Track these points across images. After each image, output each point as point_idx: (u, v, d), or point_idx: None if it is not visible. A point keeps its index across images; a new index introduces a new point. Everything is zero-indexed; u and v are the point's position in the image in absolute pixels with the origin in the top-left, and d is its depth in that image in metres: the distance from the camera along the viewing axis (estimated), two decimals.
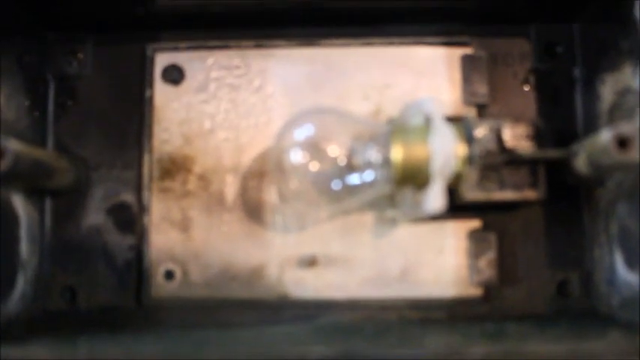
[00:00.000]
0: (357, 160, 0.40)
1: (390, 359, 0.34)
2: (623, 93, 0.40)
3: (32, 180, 0.43)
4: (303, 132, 0.40)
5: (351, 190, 0.41)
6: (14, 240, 0.43)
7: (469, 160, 0.40)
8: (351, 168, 0.40)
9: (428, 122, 0.39)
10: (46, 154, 0.44)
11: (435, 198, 0.38)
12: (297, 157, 0.40)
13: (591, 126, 0.44)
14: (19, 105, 0.44)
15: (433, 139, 0.38)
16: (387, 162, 0.39)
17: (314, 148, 0.40)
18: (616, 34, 0.41)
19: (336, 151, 0.40)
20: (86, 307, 0.46)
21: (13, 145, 0.38)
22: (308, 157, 0.40)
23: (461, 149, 0.39)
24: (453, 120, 0.42)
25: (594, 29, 0.44)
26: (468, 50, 0.46)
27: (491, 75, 0.46)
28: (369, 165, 0.40)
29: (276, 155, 0.41)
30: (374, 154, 0.39)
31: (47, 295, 0.46)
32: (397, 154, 0.39)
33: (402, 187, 0.41)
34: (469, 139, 0.40)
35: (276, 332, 0.42)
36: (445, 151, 0.38)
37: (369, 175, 0.40)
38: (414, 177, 0.39)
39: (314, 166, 0.40)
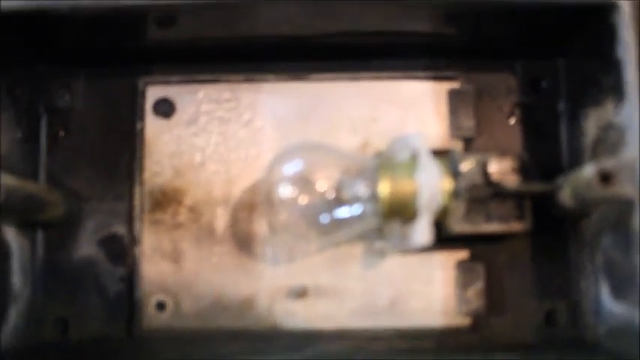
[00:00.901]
0: (345, 194, 0.40)
1: None
2: (606, 128, 0.41)
3: (25, 213, 0.43)
4: (292, 166, 0.41)
5: (339, 223, 0.41)
6: (6, 272, 0.43)
7: (455, 194, 0.40)
8: (339, 202, 0.41)
9: (414, 157, 0.40)
10: (39, 188, 0.44)
11: (422, 232, 0.39)
12: (286, 191, 0.41)
13: (576, 159, 0.45)
14: (12, 138, 0.45)
15: (419, 175, 0.39)
16: (374, 196, 0.40)
17: (303, 182, 0.41)
18: (598, 70, 0.42)
19: (324, 185, 0.41)
20: (78, 338, 0.46)
21: (6, 180, 0.39)
22: (297, 191, 0.41)
23: (447, 184, 0.40)
24: (440, 153, 0.42)
25: (578, 65, 0.45)
26: (454, 84, 0.47)
27: (477, 109, 0.47)
28: (356, 199, 0.40)
29: (266, 189, 0.42)
30: (362, 189, 0.40)
31: (39, 326, 0.46)
32: (384, 188, 0.39)
33: (389, 221, 0.41)
34: (455, 173, 0.40)
35: None
36: (431, 186, 0.39)
37: (357, 209, 0.41)
38: (401, 211, 0.40)
39: (303, 200, 0.41)
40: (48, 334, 0.46)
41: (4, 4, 0.40)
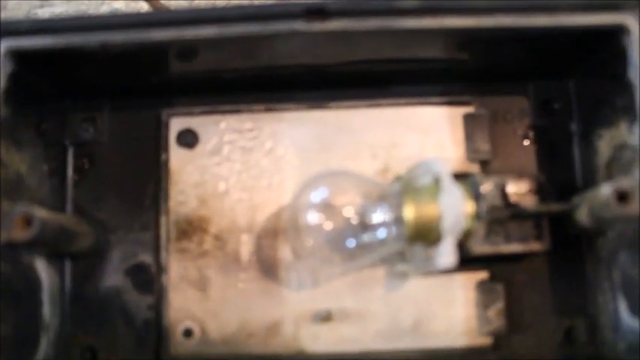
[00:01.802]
0: (370, 220, 0.41)
1: None
2: (620, 148, 0.42)
3: (56, 245, 0.44)
4: (318, 193, 0.42)
5: (364, 247, 0.42)
6: (37, 303, 0.44)
7: (477, 216, 0.41)
8: (363, 227, 0.42)
9: (437, 182, 0.41)
10: (68, 219, 0.45)
11: (447, 254, 0.40)
12: (313, 217, 0.42)
13: (590, 179, 0.46)
14: (40, 172, 0.46)
15: (443, 199, 0.40)
16: (398, 220, 0.41)
17: (328, 208, 0.42)
18: (610, 91, 0.43)
19: (349, 211, 0.42)
20: None
21: (39, 213, 0.40)
22: (323, 217, 0.42)
23: (469, 206, 0.41)
24: (459, 176, 0.43)
25: (590, 87, 0.47)
26: (469, 109, 0.48)
27: (492, 132, 0.48)
28: (381, 224, 0.41)
29: (293, 215, 0.43)
30: (386, 214, 0.41)
31: (68, 355, 0.46)
32: (409, 213, 0.41)
33: (413, 244, 0.42)
34: (476, 196, 0.42)
35: None
36: (455, 209, 0.40)
37: (381, 233, 0.42)
38: (425, 235, 0.41)
39: (329, 226, 0.42)
40: None
41: (32, 42, 0.42)
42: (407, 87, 0.49)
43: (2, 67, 0.41)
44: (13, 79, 0.42)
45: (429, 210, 0.40)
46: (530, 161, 0.48)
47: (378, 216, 0.41)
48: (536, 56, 0.46)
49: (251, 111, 0.49)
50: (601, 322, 0.45)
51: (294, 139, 0.48)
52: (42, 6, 0.57)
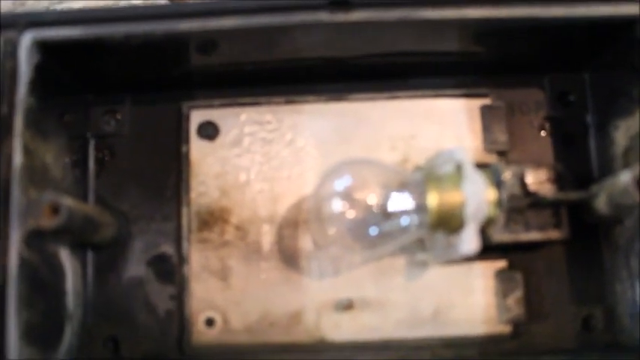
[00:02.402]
0: (392, 207, 0.42)
1: None
2: (637, 137, 0.43)
3: (80, 234, 0.44)
4: (341, 182, 0.43)
5: (385, 235, 0.43)
6: (62, 293, 0.45)
7: (499, 203, 0.42)
8: (386, 215, 0.42)
9: (459, 169, 0.41)
10: (93, 209, 0.46)
11: (470, 240, 0.40)
12: (335, 205, 0.42)
13: (606, 169, 0.47)
14: (63, 163, 0.46)
15: (466, 186, 0.40)
16: (421, 208, 0.42)
17: (351, 196, 0.42)
18: (626, 82, 0.44)
19: (372, 198, 0.42)
20: (129, 356, 0.47)
21: (67, 202, 0.40)
22: (346, 205, 0.42)
23: (491, 194, 0.42)
24: (478, 166, 0.44)
25: (605, 78, 0.47)
26: (486, 101, 0.49)
27: (509, 123, 0.49)
28: (403, 211, 0.42)
29: (315, 204, 0.43)
30: (408, 201, 0.42)
31: (91, 345, 0.47)
32: (433, 200, 0.41)
33: (435, 232, 0.43)
34: (498, 183, 0.42)
35: None
36: (478, 196, 0.40)
37: (403, 221, 0.42)
38: (448, 222, 0.41)
39: (351, 214, 0.42)
40: (99, 352, 0.47)
41: (57, 33, 0.42)
42: (425, 79, 0.49)
43: (28, 58, 0.42)
44: (39, 70, 0.42)
45: (452, 197, 0.41)
46: (546, 152, 0.49)
47: (401, 204, 0.42)
48: (551, 49, 0.47)
49: (271, 103, 0.49)
50: (619, 310, 0.46)
51: (314, 130, 0.49)
52: (60, 2, 0.58)
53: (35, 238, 0.40)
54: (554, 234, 0.45)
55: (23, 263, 0.39)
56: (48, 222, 0.40)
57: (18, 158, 0.40)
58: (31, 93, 0.42)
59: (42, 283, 0.42)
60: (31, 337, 0.40)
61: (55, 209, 0.40)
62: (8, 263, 0.39)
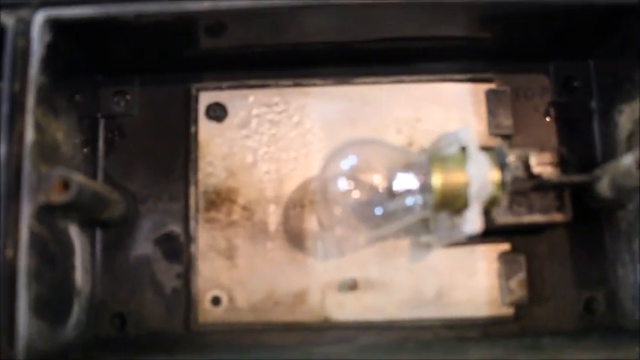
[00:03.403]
0: (397, 187, 0.42)
1: None
2: None
3: (90, 211, 0.45)
4: (347, 162, 0.43)
5: (390, 215, 0.43)
6: (71, 269, 0.45)
7: (502, 184, 0.42)
8: (391, 194, 0.43)
9: (464, 150, 0.42)
10: (102, 187, 0.46)
11: (474, 220, 0.41)
12: (341, 185, 0.43)
13: (610, 153, 0.47)
14: (73, 142, 0.47)
15: (470, 166, 0.41)
16: (425, 188, 0.42)
17: (357, 176, 0.43)
18: (631, 68, 0.44)
19: (377, 178, 0.43)
20: (135, 333, 0.48)
21: (77, 178, 0.41)
22: (352, 185, 0.43)
23: (495, 175, 0.42)
24: (482, 149, 0.44)
25: (609, 64, 0.48)
26: (492, 86, 0.49)
27: (514, 108, 0.49)
28: (408, 191, 0.42)
29: (321, 184, 0.44)
30: (413, 181, 0.42)
31: (98, 322, 0.48)
32: (437, 180, 0.42)
33: (438, 212, 0.43)
34: (502, 165, 0.43)
35: (322, 352, 0.44)
36: (482, 177, 0.41)
37: (408, 201, 0.43)
38: (452, 202, 0.42)
39: (356, 194, 0.43)
40: (106, 329, 0.48)
41: (70, 12, 0.43)
42: (431, 64, 0.50)
43: (41, 37, 0.42)
44: (51, 48, 0.43)
45: (456, 177, 0.42)
46: (551, 137, 0.49)
47: (406, 184, 0.42)
48: (557, 35, 0.47)
49: (279, 86, 0.50)
50: (620, 293, 0.47)
51: (321, 113, 0.49)
52: None
53: (45, 213, 0.41)
54: (557, 216, 0.45)
55: (33, 237, 0.40)
56: (58, 197, 0.40)
57: (30, 134, 0.41)
58: (42, 71, 0.42)
59: (51, 257, 0.43)
60: (40, 311, 0.40)
61: (66, 184, 0.40)
62: (19, 237, 0.39)
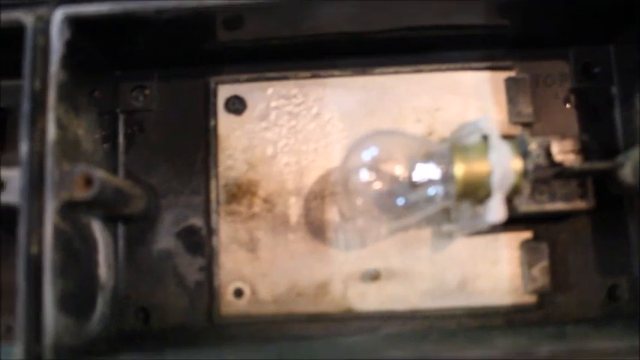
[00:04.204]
0: (419, 178, 0.42)
1: (467, 359, 0.37)
2: None
3: (112, 206, 0.45)
4: (369, 153, 0.43)
5: (412, 205, 0.43)
6: (94, 264, 0.46)
7: (525, 173, 0.42)
8: (413, 185, 0.43)
9: (485, 139, 0.42)
10: (124, 183, 0.47)
11: (497, 209, 0.41)
12: (363, 176, 0.43)
13: (631, 139, 0.47)
14: (93, 138, 0.47)
15: (492, 155, 0.41)
16: (447, 178, 0.42)
17: (378, 167, 0.43)
18: None
19: (399, 169, 0.43)
20: (159, 326, 0.48)
21: (99, 174, 0.41)
22: (374, 175, 0.43)
23: (517, 163, 0.42)
24: (503, 138, 0.44)
25: (629, 50, 0.47)
26: (511, 73, 0.49)
27: (534, 95, 0.49)
28: (430, 182, 0.42)
29: (342, 176, 0.44)
30: (435, 171, 0.42)
31: (123, 315, 0.48)
32: (459, 170, 0.42)
33: (460, 202, 0.43)
34: (524, 153, 0.42)
35: (346, 342, 0.44)
36: (504, 166, 0.41)
37: (430, 191, 0.43)
38: (474, 191, 0.42)
39: (378, 184, 0.43)
40: (130, 323, 0.48)
41: (89, 9, 0.43)
42: (449, 53, 0.50)
43: (60, 34, 0.42)
44: (70, 46, 0.43)
45: (478, 167, 0.41)
46: (571, 124, 0.49)
47: (428, 174, 0.42)
48: (576, 21, 0.47)
49: (297, 77, 0.50)
50: None
51: (340, 104, 0.49)
52: None
53: (69, 210, 0.41)
54: (579, 204, 0.45)
55: (58, 234, 0.40)
56: (81, 193, 0.41)
57: (52, 132, 0.41)
58: (62, 68, 0.42)
59: (76, 253, 0.43)
60: (66, 306, 0.41)
61: (88, 180, 0.41)
62: (44, 233, 0.40)
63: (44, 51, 0.42)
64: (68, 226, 0.42)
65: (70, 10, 0.43)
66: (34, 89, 0.42)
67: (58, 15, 0.43)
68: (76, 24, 0.43)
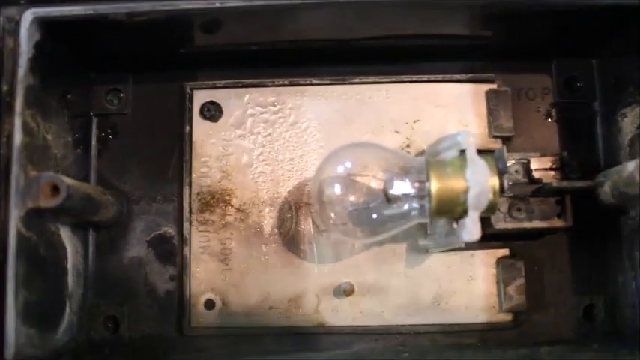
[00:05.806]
0: (394, 192, 0.41)
1: None
2: None
3: (81, 214, 0.44)
4: (343, 166, 0.42)
5: (386, 220, 0.42)
6: (62, 272, 0.45)
7: (502, 190, 0.41)
8: (387, 200, 0.42)
9: (462, 155, 0.41)
10: (93, 189, 0.46)
11: (472, 228, 0.40)
12: (337, 189, 0.42)
13: (612, 157, 0.46)
14: (65, 142, 0.46)
15: (469, 172, 0.40)
16: (423, 194, 0.41)
17: (352, 181, 0.42)
18: (634, 69, 0.43)
19: (374, 183, 0.42)
20: (128, 336, 0.47)
21: (66, 181, 0.40)
22: (346, 189, 0.42)
23: (495, 181, 0.41)
24: (482, 152, 0.43)
25: (613, 65, 0.47)
26: (492, 86, 0.48)
27: (515, 109, 0.48)
28: (405, 197, 0.41)
29: (317, 188, 0.43)
30: (411, 187, 0.41)
31: (91, 325, 0.47)
32: (435, 186, 0.40)
33: (436, 218, 0.42)
34: (501, 170, 0.41)
35: (317, 358, 0.44)
36: (481, 184, 0.40)
37: (405, 207, 0.42)
38: (449, 208, 0.41)
39: (352, 199, 0.42)
40: (99, 332, 0.47)
41: (59, 10, 0.42)
42: (430, 63, 0.49)
43: (29, 36, 0.41)
44: (40, 47, 0.42)
45: (454, 183, 0.40)
46: (552, 139, 0.48)
47: (403, 189, 0.41)
48: (559, 34, 0.46)
49: (274, 85, 0.49)
50: (620, 300, 0.46)
51: (317, 112, 0.48)
52: None
53: (35, 217, 0.40)
54: (557, 223, 0.44)
55: (22, 242, 0.39)
56: (47, 202, 0.40)
57: (18, 137, 0.40)
58: (31, 71, 0.41)
59: (42, 262, 0.42)
60: (29, 317, 0.40)
61: (55, 189, 0.40)
62: (8, 242, 0.39)
63: (13, 53, 0.41)
64: (34, 234, 0.41)
65: (40, 12, 0.42)
66: (1, 92, 0.40)
67: (28, 16, 0.42)
68: (46, 26, 0.42)
